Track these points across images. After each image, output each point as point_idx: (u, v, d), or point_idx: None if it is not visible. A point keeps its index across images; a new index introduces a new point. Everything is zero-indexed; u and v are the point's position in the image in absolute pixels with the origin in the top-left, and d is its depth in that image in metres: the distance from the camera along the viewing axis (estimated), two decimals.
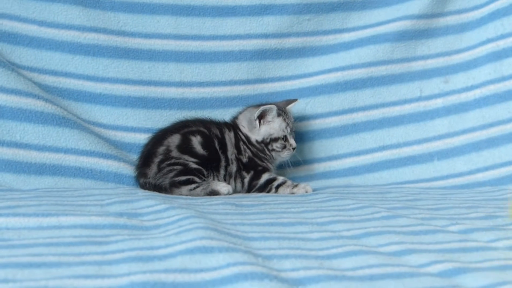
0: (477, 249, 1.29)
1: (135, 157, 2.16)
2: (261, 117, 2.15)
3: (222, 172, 2.09)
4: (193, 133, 2.08)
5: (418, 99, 2.38)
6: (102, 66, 2.21)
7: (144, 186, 2.03)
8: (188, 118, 2.18)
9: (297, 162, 2.30)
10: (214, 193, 1.97)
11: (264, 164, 2.15)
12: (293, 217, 1.56)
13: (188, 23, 2.32)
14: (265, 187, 2.10)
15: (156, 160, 2.04)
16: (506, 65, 2.30)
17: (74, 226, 1.37)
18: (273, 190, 2.09)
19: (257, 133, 2.16)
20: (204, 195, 1.96)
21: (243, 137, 2.16)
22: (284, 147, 2.16)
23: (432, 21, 2.40)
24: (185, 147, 2.05)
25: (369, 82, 2.38)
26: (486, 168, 2.24)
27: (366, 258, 1.20)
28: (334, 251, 1.25)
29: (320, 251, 1.25)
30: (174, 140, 2.06)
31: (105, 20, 2.23)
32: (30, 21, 2.15)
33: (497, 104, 2.29)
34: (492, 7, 2.35)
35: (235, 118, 2.22)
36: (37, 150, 2.03)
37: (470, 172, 2.25)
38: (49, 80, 2.15)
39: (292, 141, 2.17)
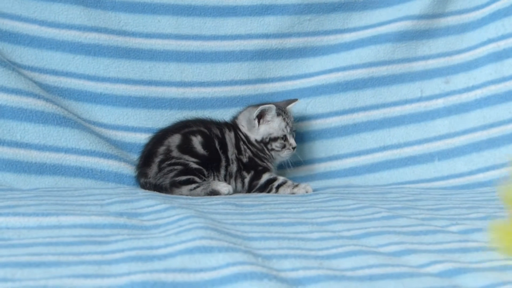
0: (477, 249, 1.29)
1: (135, 157, 2.16)
2: (260, 116, 2.15)
3: (222, 172, 2.09)
4: (194, 133, 2.08)
5: (419, 99, 2.38)
6: (103, 66, 2.21)
7: (144, 186, 2.04)
8: (189, 118, 2.18)
9: (298, 162, 2.30)
10: (214, 193, 1.97)
11: (264, 164, 2.15)
12: (293, 217, 1.56)
13: (189, 23, 2.32)
14: (266, 187, 2.10)
15: (157, 160, 2.04)
16: (507, 66, 2.30)
17: (74, 226, 1.37)
18: (274, 190, 2.09)
19: (256, 133, 2.16)
20: (205, 195, 1.96)
21: (243, 137, 2.16)
22: (284, 146, 2.16)
23: (433, 22, 2.40)
24: (185, 147, 2.05)
25: (370, 82, 2.38)
26: (487, 169, 2.24)
27: (366, 258, 1.20)
28: (334, 251, 1.25)
29: (319, 251, 1.25)
30: (175, 140, 2.06)
31: (106, 20, 2.23)
32: (31, 20, 2.15)
33: (498, 105, 2.29)
34: (493, 7, 2.35)
35: (235, 118, 2.22)
36: (38, 150, 2.03)
37: (471, 173, 2.25)
38: (50, 79, 2.15)
39: (292, 141, 2.16)
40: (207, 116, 2.21)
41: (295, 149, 2.17)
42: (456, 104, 2.34)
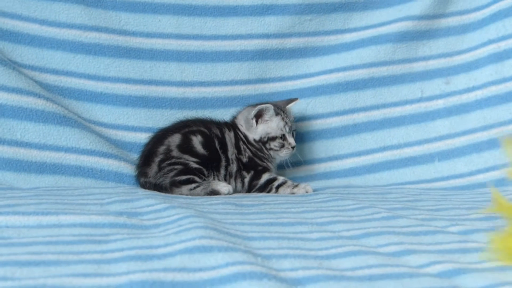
0: (476, 250, 1.29)
1: (135, 156, 2.16)
2: (258, 116, 2.15)
3: (222, 172, 2.09)
4: (194, 132, 2.08)
5: (419, 100, 2.38)
6: (103, 65, 2.21)
7: (144, 186, 2.04)
8: (189, 118, 2.18)
9: (298, 162, 2.30)
10: (214, 192, 1.97)
11: (264, 164, 2.15)
12: (293, 217, 1.56)
13: (190, 23, 2.32)
14: (266, 187, 2.10)
15: (157, 159, 2.04)
16: (507, 66, 2.30)
17: (74, 225, 1.37)
18: (274, 190, 2.09)
19: (254, 132, 2.16)
20: (204, 194, 1.96)
21: (242, 136, 2.16)
22: (283, 146, 2.16)
23: (434, 22, 2.40)
24: (185, 147, 2.05)
25: (370, 82, 2.38)
26: (487, 169, 2.24)
27: (365, 258, 1.20)
28: (333, 251, 1.25)
29: (319, 251, 1.25)
30: (175, 139, 2.06)
31: (107, 19, 2.23)
32: (31, 20, 2.15)
33: (498, 105, 2.29)
34: (493, 8, 2.35)
35: (234, 117, 2.22)
36: (38, 149, 2.03)
37: (471, 173, 2.25)
38: (50, 79, 2.15)
39: (291, 140, 2.16)
40: (207, 116, 2.21)
41: (295, 149, 2.17)
42: (457, 104, 2.34)
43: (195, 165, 2.02)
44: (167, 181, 1.99)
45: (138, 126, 2.23)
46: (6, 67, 2.03)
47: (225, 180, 2.09)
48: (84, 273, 1.06)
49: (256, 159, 2.14)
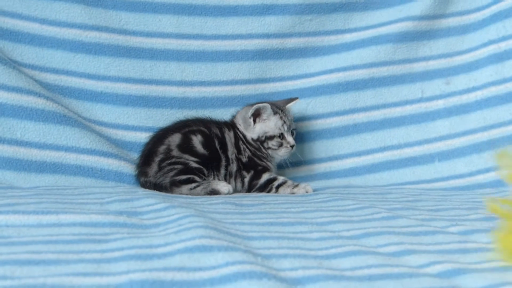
0: (476, 250, 1.29)
1: (135, 155, 2.16)
2: (256, 115, 2.15)
3: (222, 171, 2.09)
4: (194, 132, 2.08)
5: (420, 100, 2.38)
6: (104, 65, 2.21)
7: (144, 185, 2.04)
8: (189, 117, 2.18)
9: (298, 162, 2.30)
10: (214, 192, 1.97)
11: (264, 163, 2.15)
12: (293, 217, 1.56)
13: (190, 23, 2.32)
14: (266, 187, 2.10)
15: (157, 159, 2.04)
16: (507, 67, 2.30)
17: (74, 224, 1.37)
18: (274, 190, 2.09)
19: (252, 131, 2.16)
20: (204, 194, 1.96)
21: (241, 136, 2.16)
22: (281, 145, 2.16)
23: (434, 23, 2.40)
24: (185, 146, 2.05)
25: (370, 82, 2.38)
26: (487, 170, 2.23)
27: (365, 258, 1.20)
28: (333, 251, 1.25)
29: (319, 251, 1.25)
30: (175, 139, 2.06)
31: (107, 18, 2.23)
32: (32, 19, 2.15)
33: (498, 106, 2.29)
34: (494, 9, 2.35)
35: (233, 117, 2.22)
36: (38, 148, 2.03)
37: (471, 174, 2.25)
38: (50, 78, 2.15)
39: (289, 139, 2.16)
40: (207, 116, 2.21)
41: (294, 148, 2.17)
42: (457, 105, 2.34)
43: (195, 165, 2.02)
44: (167, 180, 1.99)
45: (138, 126, 2.23)
46: (6, 66, 2.03)
47: (225, 179, 2.09)
48: (84, 272, 1.06)
49: (256, 159, 2.14)
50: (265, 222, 1.48)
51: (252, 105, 2.17)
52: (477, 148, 2.27)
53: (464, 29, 2.39)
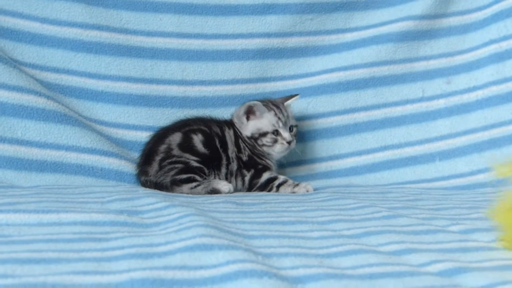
0: (477, 249, 1.29)
1: (136, 155, 2.16)
2: (249, 112, 2.15)
3: (223, 170, 2.09)
4: (194, 131, 2.08)
5: (420, 99, 2.38)
6: (104, 64, 2.21)
7: (145, 184, 2.03)
8: (189, 116, 2.18)
9: (299, 161, 2.30)
10: (215, 191, 1.96)
11: (263, 161, 2.14)
12: (293, 216, 1.56)
13: (191, 22, 2.32)
14: (266, 186, 2.09)
15: (157, 158, 2.04)
16: (508, 67, 2.30)
17: (74, 223, 1.36)
18: (274, 189, 2.08)
19: (246, 129, 2.16)
20: (205, 193, 1.96)
21: (240, 134, 2.16)
22: (275, 141, 2.15)
23: (435, 22, 2.40)
24: (186, 146, 2.05)
25: (371, 82, 2.38)
26: (488, 169, 2.23)
27: (366, 257, 1.20)
28: (334, 249, 1.25)
29: (320, 250, 1.25)
30: (176, 138, 2.06)
31: (108, 17, 2.23)
32: (32, 18, 2.15)
33: (499, 105, 2.29)
34: (495, 8, 2.35)
35: (233, 115, 2.22)
36: (39, 147, 2.03)
37: (472, 173, 2.25)
38: (51, 77, 2.15)
39: (285, 135, 2.15)
40: (207, 115, 2.21)
41: (292, 144, 2.16)
42: (458, 104, 2.34)
43: (195, 164, 2.02)
44: (167, 179, 1.99)
45: (139, 125, 2.23)
46: (7, 65, 2.03)
47: (226, 178, 2.09)
48: (85, 270, 1.05)
49: (255, 157, 2.14)
50: (266, 221, 1.48)
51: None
52: (478, 147, 2.27)
53: (465, 29, 2.39)
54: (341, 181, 2.30)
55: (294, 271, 1.10)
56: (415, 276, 1.10)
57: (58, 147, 2.05)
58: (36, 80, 2.10)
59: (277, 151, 2.16)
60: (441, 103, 2.36)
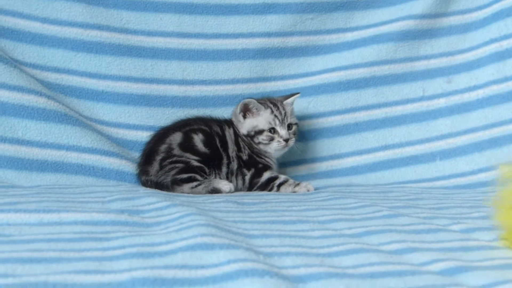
0: (478, 248, 1.29)
1: (137, 154, 2.16)
2: (246, 110, 2.15)
3: (224, 169, 2.09)
4: (195, 131, 2.08)
5: (421, 99, 2.37)
6: (105, 64, 2.21)
7: (145, 184, 2.03)
8: (190, 116, 2.18)
9: (299, 160, 2.30)
10: (215, 191, 1.96)
11: (263, 160, 2.14)
12: (294, 215, 1.56)
13: (191, 21, 2.32)
14: (267, 186, 2.09)
15: (158, 158, 2.04)
16: (509, 66, 2.30)
17: (75, 223, 1.36)
18: (275, 188, 2.08)
19: (242, 127, 2.16)
20: (206, 193, 1.96)
21: (238, 132, 2.16)
22: (272, 139, 2.14)
23: (436, 21, 2.40)
24: (187, 145, 2.05)
25: (371, 81, 2.38)
26: (489, 168, 2.23)
27: (367, 256, 1.20)
28: (335, 249, 1.25)
29: (321, 249, 1.25)
30: (176, 138, 2.06)
31: (108, 17, 2.23)
32: (33, 18, 2.15)
33: (499, 105, 2.28)
34: (495, 7, 2.35)
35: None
36: (39, 147, 2.03)
37: (473, 172, 2.25)
38: (51, 77, 2.15)
39: (282, 132, 2.14)
40: (208, 114, 2.21)
41: (290, 142, 2.15)
42: (458, 103, 2.34)
43: (196, 163, 2.02)
44: (168, 179, 1.99)
45: (139, 125, 2.23)
46: (7, 65, 2.03)
47: (227, 178, 2.09)
48: (86, 270, 1.05)
49: (255, 156, 2.14)
50: (267, 220, 1.48)
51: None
52: (479, 146, 2.27)
53: (466, 28, 2.39)
54: (341, 180, 2.30)
55: (295, 270, 1.10)
56: (416, 275, 1.10)
57: (58, 147, 2.05)
58: (37, 80, 2.10)
59: (273, 148, 2.15)
60: (441, 102, 2.36)
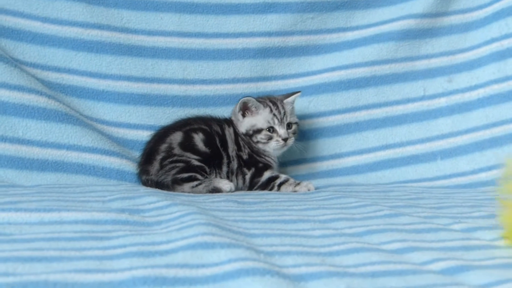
0: (479, 247, 1.29)
1: (137, 154, 2.16)
2: (245, 109, 2.14)
3: (224, 169, 2.09)
4: (195, 130, 2.08)
5: (422, 98, 2.37)
6: (105, 63, 2.21)
7: (146, 183, 2.03)
8: (190, 116, 2.18)
9: (300, 160, 2.29)
10: (216, 190, 1.96)
11: (263, 159, 2.14)
12: (295, 215, 1.56)
13: (192, 21, 2.31)
14: (267, 185, 2.09)
15: (158, 157, 2.03)
16: (510, 65, 2.29)
17: (76, 222, 1.36)
18: (276, 188, 2.08)
19: (241, 125, 2.16)
20: (206, 192, 1.96)
21: (237, 131, 2.16)
22: (270, 138, 2.14)
23: (436, 20, 2.40)
24: (187, 145, 2.05)
25: (372, 80, 2.38)
26: (489, 168, 2.23)
27: (368, 255, 1.20)
28: (336, 248, 1.25)
29: (322, 248, 1.24)
30: (176, 137, 2.06)
31: (109, 16, 2.23)
32: (33, 17, 2.15)
33: (500, 104, 2.28)
34: (496, 6, 2.34)
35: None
36: (40, 147, 2.03)
37: (473, 172, 2.24)
38: (52, 76, 2.15)
39: (281, 132, 2.13)
40: (208, 114, 2.21)
41: (289, 141, 2.14)
42: (459, 103, 2.34)
43: (196, 163, 2.02)
44: (168, 178, 1.99)
45: (140, 124, 2.22)
46: (8, 65, 2.03)
47: (228, 177, 2.09)
48: (86, 269, 1.05)
49: (255, 156, 2.13)
50: (268, 220, 1.48)
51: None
52: (480, 146, 2.27)
53: (467, 27, 2.39)
54: (342, 180, 2.29)
55: (296, 269, 1.10)
56: (417, 274, 1.10)
57: (59, 146, 2.05)
58: (37, 79, 2.10)
59: (272, 148, 2.15)
60: (442, 101, 2.36)
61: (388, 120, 2.36)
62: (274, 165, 2.17)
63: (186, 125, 2.11)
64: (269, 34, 2.36)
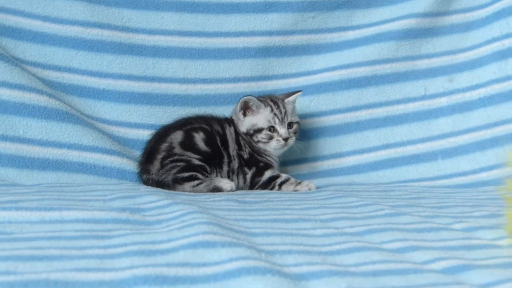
0: (481, 247, 1.29)
1: (138, 153, 2.16)
2: (246, 108, 2.14)
3: (225, 168, 2.09)
4: (196, 130, 2.08)
5: (423, 97, 2.37)
6: (106, 62, 2.21)
7: (147, 182, 2.03)
8: (191, 115, 2.18)
9: (301, 159, 2.29)
10: (217, 189, 1.96)
11: (264, 159, 2.14)
12: (296, 214, 1.56)
13: (192, 20, 2.31)
14: (268, 184, 2.09)
15: (159, 156, 2.03)
16: (511, 64, 2.29)
17: (76, 221, 1.36)
18: (277, 187, 2.08)
19: (242, 125, 2.15)
20: (207, 191, 1.96)
21: (238, 130, 2.16)
22: (271, 137, 2.14)
23: (437, 20, 2.40)
24: (188, 144, 2.05)
25: (373, 80, 2.37)
26: (490, 168, 2.23)
27: (369, 254, 1.20)
28: (337, 247, 1.25)
29: (323, 247, 1.24)
30: (177, 136, 2.06)
31: (109, 16, 2.23)
32: (34, 16, 2.15)
33: (501, 103, 2.28)
34: (497, 6, 2.34)
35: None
36: (40, 145, 2.03)
37: (474, 171, 2.24)
38: (52, 75, 2.15)
39: (282, 131, 2.13)
40: (208, 113, 2.21)
41: (290, 140, 2.14)
42: (460, 102, 2.34)
43: (197, 162, 2.02)
44: (169, 178, 1.99)
45: (140, 123, 2.22)
46: (8, 64, 2.03)
47: (229, 176, 2.09)
48: (87, 267, 1.05)
49: (256, 155, 2.13)
50: (269, 219, 1.48)
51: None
52: (480, 145, 2.27)
53: (468, 27, 2.39)
54: (343, 179, 2.29)
55: (297, 268, 1.10)
56: (419, 273, 1.10)
57: (60, 145, 2.05)
58: (38, 78, 2.10)
59: (273, 147, 2.15)
60: (443, 101, 2.36)
61: (389, 120, 2.36)
62: (275, 164, 2.17)
63: (187, 124, 2.11)
64: (270, 33, 2.36)
